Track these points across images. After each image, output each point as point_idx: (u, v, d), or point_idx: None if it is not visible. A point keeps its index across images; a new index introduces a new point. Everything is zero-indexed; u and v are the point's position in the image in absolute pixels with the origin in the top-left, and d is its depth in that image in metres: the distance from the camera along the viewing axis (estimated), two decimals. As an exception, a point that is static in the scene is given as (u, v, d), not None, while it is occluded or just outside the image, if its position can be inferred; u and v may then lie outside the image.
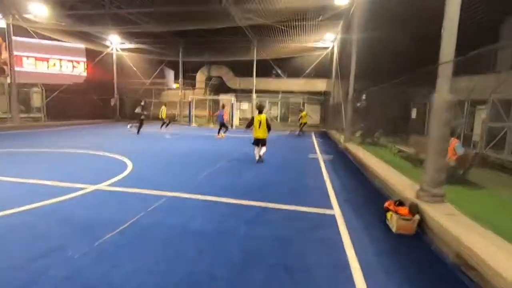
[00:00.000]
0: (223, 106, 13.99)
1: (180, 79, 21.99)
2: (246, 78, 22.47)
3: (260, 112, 7.69)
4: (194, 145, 11.04)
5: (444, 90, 3.56)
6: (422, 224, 3.38)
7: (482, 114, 8.70)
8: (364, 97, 12.48)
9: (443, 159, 3.70)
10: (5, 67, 16.13)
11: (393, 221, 3.46)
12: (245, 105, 23.16)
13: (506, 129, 7.28)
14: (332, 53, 18.95)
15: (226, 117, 14.15)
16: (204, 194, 4.60)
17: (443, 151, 3.68)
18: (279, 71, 21.46)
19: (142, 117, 13.40)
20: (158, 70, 22.70)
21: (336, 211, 4.13)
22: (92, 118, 19.84)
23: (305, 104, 22.17)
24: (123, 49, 21.95)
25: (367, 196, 5.12)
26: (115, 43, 21.24)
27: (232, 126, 20.16)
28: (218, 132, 13.38)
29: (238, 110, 22.94)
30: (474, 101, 9.22)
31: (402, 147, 9.41)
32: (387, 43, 9.11)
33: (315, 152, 9.86)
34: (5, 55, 15.96)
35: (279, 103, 22.42)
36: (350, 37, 12.12)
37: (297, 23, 14.21)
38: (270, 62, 21.28)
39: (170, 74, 29.19)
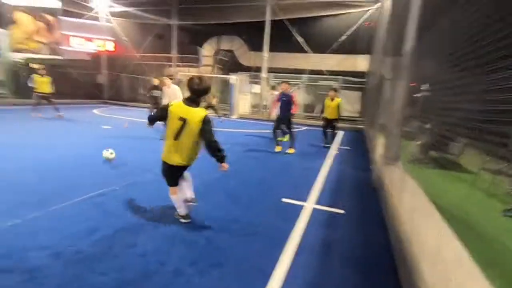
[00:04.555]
0: (285, 87, 6.72)
1: (173, 51, 17.33)
2: (261, 53, 16.99)
3: (199, 93, 2.79)
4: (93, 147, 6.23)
5: None
6: None
7: None
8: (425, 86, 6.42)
9: None
10: (56, 46, 16.14)
11: None
12: (257, 88, 17.81)
13: None
14: (379, 14, 12.55)
15: (296, 108, 6.79)
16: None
17: None
18: (299, 39, 15.52)
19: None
20: (149, 40, 18.26)
21: None
22: (74, 97, 16.34)
23: (338, 90, 16.02)
24: (113, 14, 17.90)
25: None
26: (103, 5, 17.25)
27: (229, 115, 15.14)
28: (277, 142, 6.99)
29: (249, 94, 17.75)
30: None
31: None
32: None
33: (305, 194, 4.35)
34: (57, 34, 16.00)
35: (302, 86, 16.64)
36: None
37: None
38: (292, 32, 15.45)
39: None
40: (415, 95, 6.26)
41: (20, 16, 15.36)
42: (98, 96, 18.40)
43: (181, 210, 3.03)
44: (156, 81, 8.87)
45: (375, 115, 8.76)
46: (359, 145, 9.23)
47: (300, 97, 17.45)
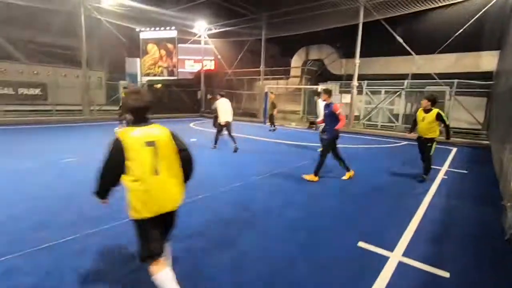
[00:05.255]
0: (328, 93, 5.33)
1: (262, 65, 17.73)
2: (353, 59, 15.61)
3: (142, 110, 1.99)
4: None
5: None
6: None
7: None
8: None
9: None
10: (174, 69, 19.35)
11: None
12: (348, 97, 16.34)
13: None
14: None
15: (342, 123, 5.08)
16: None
17: None
18: (399, 40, 13.41)
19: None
20: (240, 56, 19.32)
21: None
22: (178, 112, 18.77)
23: (451, 96, 13.06)
24: (210, 36, 19.82)
25: None
26: (203, 29, 19.34)
27: (314, 126, 14.27)
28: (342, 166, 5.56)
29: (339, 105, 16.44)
30: None
31: None
32: None
33: (392, 239, 3.28)
34: (175, 59, 19.24)
35: (403, 93, 14.31)
36: None
37: None
38: (390, 33, 13.54)
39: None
40: None
41: (150, 47, 18.98)
42: (197, 111, 20.52)
43: None
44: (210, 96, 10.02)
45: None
46: (481, 168, 7.03)
47: (400, 105, 15.11)
